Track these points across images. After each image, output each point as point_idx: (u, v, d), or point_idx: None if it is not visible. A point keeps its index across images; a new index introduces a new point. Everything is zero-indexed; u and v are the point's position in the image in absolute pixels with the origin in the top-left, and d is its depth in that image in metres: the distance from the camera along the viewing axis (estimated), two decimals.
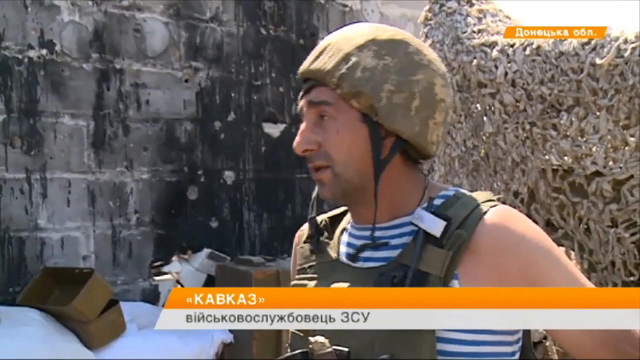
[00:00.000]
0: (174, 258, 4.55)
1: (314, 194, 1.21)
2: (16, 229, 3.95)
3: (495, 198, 1.13)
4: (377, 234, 1.14)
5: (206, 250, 4.55)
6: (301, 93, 1.17)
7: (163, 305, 4.35)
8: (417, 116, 1.11)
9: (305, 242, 1.24)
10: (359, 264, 1.14)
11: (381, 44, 1.12)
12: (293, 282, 1.22)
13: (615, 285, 2.51)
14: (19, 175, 3.98)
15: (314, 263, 1.19)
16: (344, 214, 1.25)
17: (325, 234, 1.22)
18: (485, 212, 1.08)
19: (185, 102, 4.60)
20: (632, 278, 2.50)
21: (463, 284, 1.05)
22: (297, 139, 1.14)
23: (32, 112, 4.03)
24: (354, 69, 1.10)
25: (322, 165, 1.12)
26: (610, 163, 2.48)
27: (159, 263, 4.50)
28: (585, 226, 2.59)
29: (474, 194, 1.14)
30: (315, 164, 1.13)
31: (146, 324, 3.92)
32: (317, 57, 1.14)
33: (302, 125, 1.14)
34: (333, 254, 1.18)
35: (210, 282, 4.48)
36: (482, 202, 1.10)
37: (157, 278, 4.47)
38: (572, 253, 2.73)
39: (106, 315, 3.66)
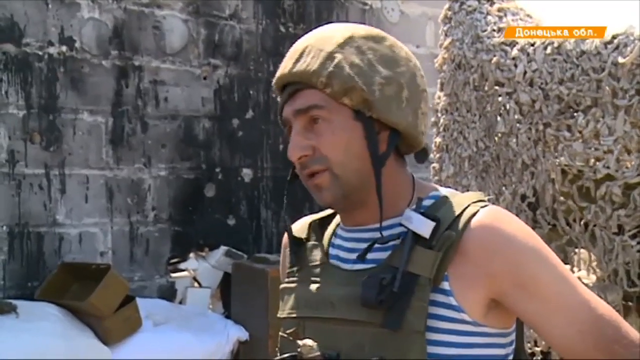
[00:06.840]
0: (191, 255, 4.57)
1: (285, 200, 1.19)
2: (35, 224, 3.99)
3: (486, 198, 1.13)
4: (367, 235, 1.13)
5: (223, 248, 4.55)
6: (283, 100, 1.14)
7: (180, 302, 4.41)
8: (409, 107, 1.11)
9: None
10: (349, 266, 1.12)
11: (361, 40, 1.12)
12: (282, 286, 1.21)
13: (616, 294, 2.45)
14: (38, 171, 4.01)
15: (302, 266, 1.18)
16: (332, 216, 1.24)
17: (314, 236, 1.21)
18: (475, 213, 1.07)
19: (204, 99, 4.61)
20: (635, 289, 2.44)
21: (453, 285, 1.04)
22: (291, 146, 1.11)
23: (52, 108, 4.06)
24: (342, 66, 1.08)
25: (319, 169, 1.10)
26: (624, 167, 2.41)
27: (175, 260, 4.51)
28: (591, 233, 2.52)
29: (465, 195, 1.13)
30: (311, 169, 1.10)
31: (162, 321, 3.94)
32: (297, 60, 1.12)
33: (293, 133, 1.12)
34: (322, 257, 1.16)
35: (226, 279, 4.48)
36: (473, 202, 1.09)
37: (173, 275, 4.49)
38: (581, 257, 2.66)
39: (122, 312, 3.68)
